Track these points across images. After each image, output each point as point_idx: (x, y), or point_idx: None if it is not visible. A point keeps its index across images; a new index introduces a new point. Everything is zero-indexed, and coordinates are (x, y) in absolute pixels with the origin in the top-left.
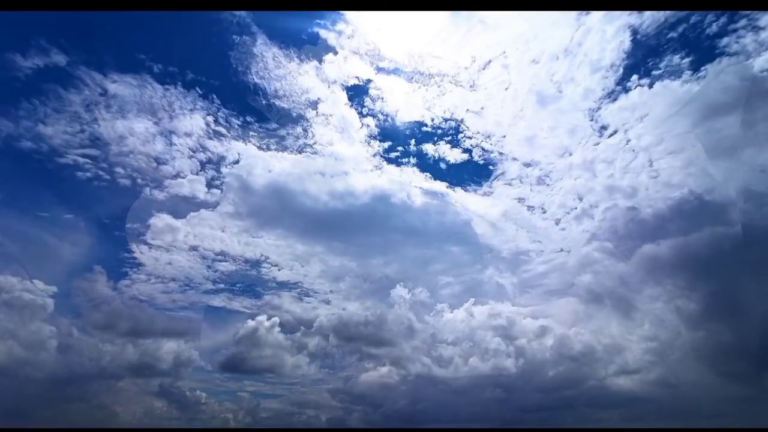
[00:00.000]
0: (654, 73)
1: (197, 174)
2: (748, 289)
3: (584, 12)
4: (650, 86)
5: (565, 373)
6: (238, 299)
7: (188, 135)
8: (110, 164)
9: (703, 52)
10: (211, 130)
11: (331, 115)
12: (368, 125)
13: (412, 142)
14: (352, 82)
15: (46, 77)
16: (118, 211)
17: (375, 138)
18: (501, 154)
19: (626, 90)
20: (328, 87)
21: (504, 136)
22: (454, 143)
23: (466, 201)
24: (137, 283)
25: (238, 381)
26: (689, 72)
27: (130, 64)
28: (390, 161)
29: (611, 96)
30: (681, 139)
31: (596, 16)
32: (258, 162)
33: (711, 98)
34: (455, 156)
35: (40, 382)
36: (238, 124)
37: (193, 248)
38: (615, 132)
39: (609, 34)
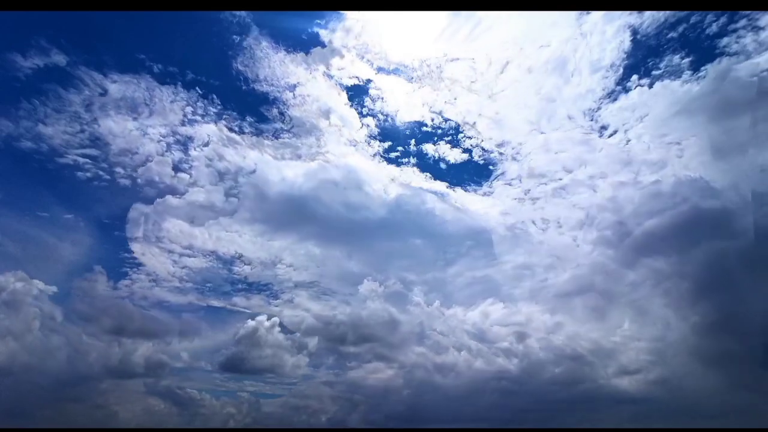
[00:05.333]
0: (654, 73)
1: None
2: (752, 290)
3: (584, 12)
4: (650, 86)
5: (564, 373)
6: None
7: (195, 140)
8: (110, 164)
9: (703, 52)
10: (220, 134)
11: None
12: (368, 125)
13: (412, 142)
14: (352, 82)
15: (46, 77)
16: (118, 211)
17: (375, 138)
18: (501, 154)
19: (626, 90)
20: (311, 72)
21: (475, 123)
22: (454, 143)
23: (465, 201)
24: (137, 283)
25: (238, 381)
26: (689, 72)
27: (130, 64)
28: (390, 161)
29: (611, 96)
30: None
31: (596, 16)
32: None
33: (711, 98)
34: (455, 156)
35: (40, 381)
36: (247, 128)
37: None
38: (615, 132)
39: (609, 34)
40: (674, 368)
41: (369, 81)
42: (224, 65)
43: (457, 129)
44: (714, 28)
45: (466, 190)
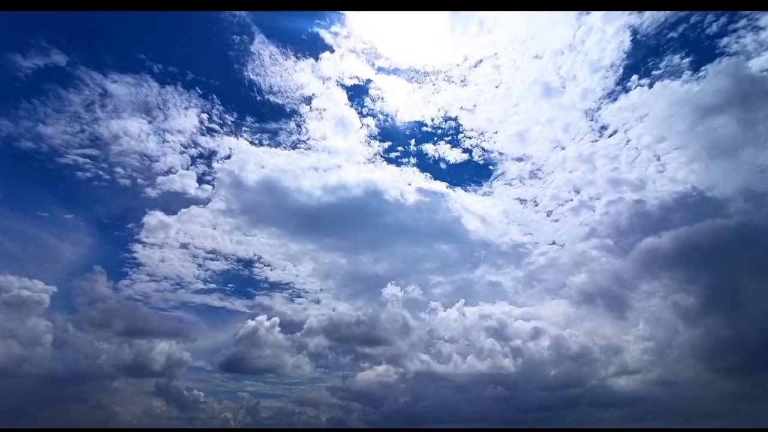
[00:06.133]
0: (654, 73)
1: (187, 169)
2: (749, 289)
3: (584, 12)
4: (650, 86)
5: (564, 373)
6: (229, 299)
7: (186, 134)
8: (110, 164)
9: (703, 52)
10: (205, 128)
11: (325, 110)
12: (368, 125)
13: (412, 142)
14: (352, 82)
15: (46, 77)
16: (118, 211)
17: (375, 138)
18: (501, 154)
19: (626, 90)
20: (323, 83)
21: (496, 132)
22: (454, 143)
23: (465, 201)
24: (137, 283)
25: (238, 381)
26: (689, 72)
27: (130, 64)
28: (390, 161)
29: (611, 96)
30: (680, 138)
31: (596, 16)
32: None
33: (711, 98)
34: (455, 156)
35: (40, 381)
36: (234, 123)
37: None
38: (615, 132)
39: (609, 34)
40: (674, 368)
41: (369, 81)
42: (225, 65)
43: (457, 129)
44: (714, 28)
45: (466, 190)
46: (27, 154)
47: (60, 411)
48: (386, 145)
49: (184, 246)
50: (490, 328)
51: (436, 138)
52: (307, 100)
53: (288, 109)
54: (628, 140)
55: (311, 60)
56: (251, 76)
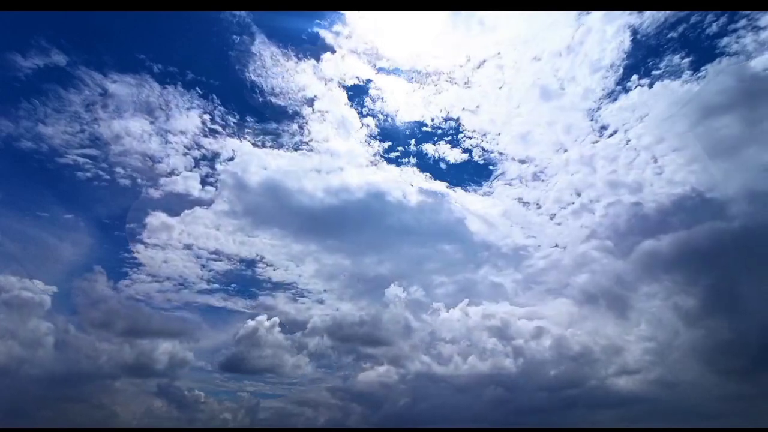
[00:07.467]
0: (654, 73)
1: (191, 171)
2: (749, 288)
3: (584, 12)
4: (650, 86)
5: (564, 373)
6: (232, 299)
7: (185, 134)
8: (110, 164)
9: (703, 52)
10: (207, 128)
11: (327, 112)
12: (368, 125)
13: (412, 142)
14: (352, 82)
15: (46, 77)
16: (118, 211)
17: (375, 138)
18: (501, 154)
19: (626, 90)
20: (325, 84)
21: (499, 134)
22: (454, 143)
23: (465, 201)
24: (137, 283)
25: (238, 381)
26: (689, 72)
27: (130, 64)
28: (390, 161)
29: (611, 96)
30: (681, 138)
31: (596, 16)
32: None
33: (711, 98)
34: (455, 156)
35: (40, 381)
36: (235, 123)
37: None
38: (615, 132)
39: (609, 34)
40: (674, 368)
41: (369, 81)
42: (224, 65)
43: (457, 129)
44: (714, 28)
45: (466, 190)
46: (27, 154)
47: (60, 411)
48: (386, 145)
49: (187, 247)
50: (489, 327)
51: (436, 138)
52: (310, 102)
53: (290, 111)
54: (629, 140)
55: (312, 60)
56: (252, 77)
